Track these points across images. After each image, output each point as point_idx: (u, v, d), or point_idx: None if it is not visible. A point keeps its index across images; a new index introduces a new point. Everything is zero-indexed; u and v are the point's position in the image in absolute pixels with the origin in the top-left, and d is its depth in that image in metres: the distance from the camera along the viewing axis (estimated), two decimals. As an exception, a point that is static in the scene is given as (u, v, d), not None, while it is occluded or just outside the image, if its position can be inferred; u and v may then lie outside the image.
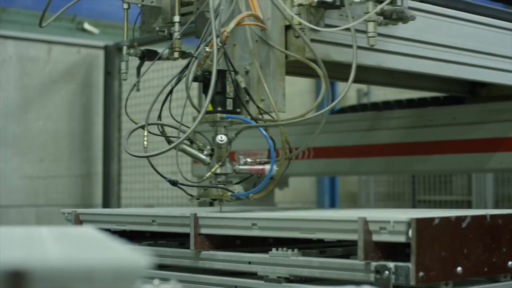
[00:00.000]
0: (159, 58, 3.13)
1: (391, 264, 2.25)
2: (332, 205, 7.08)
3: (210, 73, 2.63)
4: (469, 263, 2.35)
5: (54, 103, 5.46)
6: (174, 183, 2.79)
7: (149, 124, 2.81)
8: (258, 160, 2.79)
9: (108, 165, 5.56)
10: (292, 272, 2.46)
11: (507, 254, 2.47)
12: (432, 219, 2.25)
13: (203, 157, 2.78)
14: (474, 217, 2.37)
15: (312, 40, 2.79)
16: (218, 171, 2.74)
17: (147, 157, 2.75)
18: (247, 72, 2.77)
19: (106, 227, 3.11)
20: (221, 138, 2.71)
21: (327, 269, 2.38)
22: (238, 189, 2.76)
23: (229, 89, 2.72)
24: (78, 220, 3.14)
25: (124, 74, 3.11)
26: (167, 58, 3.13)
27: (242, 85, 2.71)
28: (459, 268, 2.31)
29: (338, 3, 2.68)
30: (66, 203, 5.49)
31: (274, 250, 2.53)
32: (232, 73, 2.71)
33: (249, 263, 2.58)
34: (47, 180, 5.40)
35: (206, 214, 2.72)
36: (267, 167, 2.75)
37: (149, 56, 3.14)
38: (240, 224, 2.64)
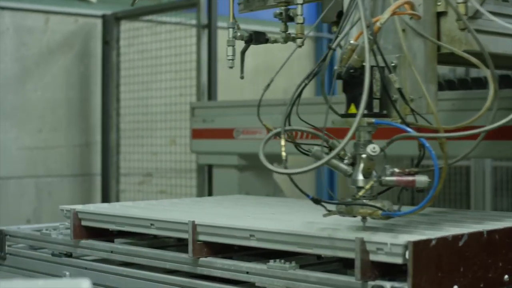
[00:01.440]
0: (267, 41, 2.87)
1: (388, 285, 2.27)
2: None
3: (356, 70, 2.31)
4: (465, 281, 2.36)
5: (52, 73, 5.44)
6: (317, 201, 2.45)
7: (286, 130, 2.49)
8: (407, 170, 2.40)
9: (106, 135, 5.56)
10: (290, 285, 2.48)
11: (503, 268, 2.48)
12: (429, 241, 2.26)
13: (345, 167, 2.41)
14: (471, 235, 2.38)
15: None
16: (361, 184, 2.39)
17: (291, 174, 2.39)
18: (394, 67, 2.40)
19: (105, 227, 3.13)
20: (374, 148, 2.34)
21: (324, 285, 2.39)
22: (387, 205, 2.40)
23: (376, 88, 2.36)
24: (76, 218, 3.15)
25: (230, 61, 2.81)
26: (275, 41, 2.89)
27: (396, 85, 2.36)
28: (455, 287, 2.33)
29: None
30: (65, 173, 5.51)
31: (272, 261, 2.54)
32: (377, 69, 2.35)
33: (247, 273, 2.60)
34: (46, 150, 5.41)
35: (204, 222, 2.73)
36: (418, 178, 2.37)
37: (257, 39, 2.84)
38: (238, 235, 2.65)
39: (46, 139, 5.44)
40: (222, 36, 5.28)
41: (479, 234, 2.42)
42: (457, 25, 2.41)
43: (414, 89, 2.41)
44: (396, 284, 2.26)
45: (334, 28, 2.79)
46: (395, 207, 2.41)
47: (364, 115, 2.30)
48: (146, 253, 2.91)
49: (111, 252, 3.03)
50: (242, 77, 2.83)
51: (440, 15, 2.45)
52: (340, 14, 2.68)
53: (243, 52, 2.85)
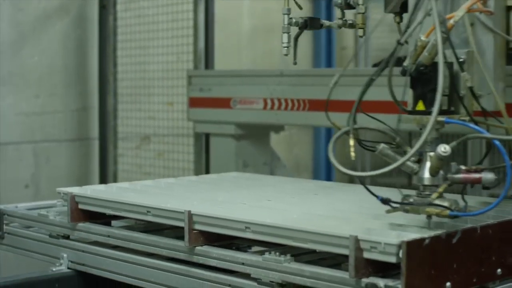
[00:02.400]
0: (321, 27, 2.86)
1: (381, 283, 2.29)
2: (328, 175, 7.09)
3: (426, 67, 2.28)
4: (459, 277, 2.39)
5: (48, 38, 5.42)
6: (386, 201, 2.43)
7: (356, 129, 2.45)
8: (473, 167, 2.41)
9: (104, 100, 5.55)
10: (285, 279, 2.50)
11: (497, 262, 2.50)
12: (422, 240, 2.28)
13: (411, 165, 2.39)
14: (464, 232, 2.40)
15: None
16: (428, 182, 2.39)
17: (365, 177, 2.39)
18: (462, 63, 2.37)
19: (102, 211, 3.14)
20: (445, 149, 2.30)
21: (318, 279, 2.42)
22: (454, 204, 2.41)
23: (445, 84, 2.30)
24: (73, 202, 3.16)
25: (285, 48, 2.78)
26: (329, 26, 2.88)
27: (468, 83, 2.34)
28: (448, 284, 2.35)
29: None
30: (62, 138, 5.51)
31: (267, 254, 2.57)
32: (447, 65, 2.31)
33: (243, 264, 2.62)
34: (43, 115, 5.41)
35: (200, 212, 2.75)
36: (484, 175, 2.37)
37: (311, 25, 2.82)
38: (233, 226, 2.67)
39: (44, 104, 5.43)
40: (219, 2, 5.27)
41: (473, 230, 2.43)
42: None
43: (481, 85, 2.38)
44: (389, 282, 2.29)
45: (397, 18, 2.75)
46: (461, 205, 2.41)
47: (431, 113, 2.26)
48: (143, 239, 2.93)
49: (108, 236, 3.05)
50: (295, 63, 2.82)
51: (510, 9, 2.42)
52: (403, 5, 2.65)
53: (296, 38, 2.83)
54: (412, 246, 2.25)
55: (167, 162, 5.77)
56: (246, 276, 2.61)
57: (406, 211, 2.44)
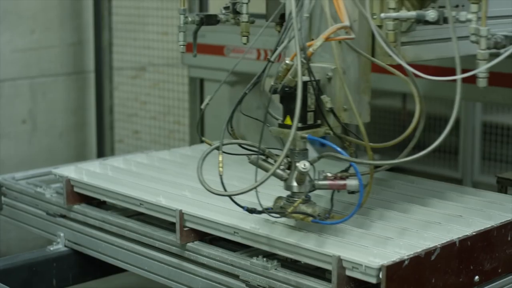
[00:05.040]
0: (218, 22, 2.95)
1: (362, 301, 2.42)
2: None
3: (290, 88, 2.44)
4: (436, 290, 2.51)
5: (42, -28, 5.38)
6: (251, 211, 2.61)
7: (224, 144, 2.58)
8: (339, 174, 2.55)
9: (99, 34, 5.55)
10: (271, 285, 2.62)
11: (474, 270, 2.61)
12: (402, 262, 2.38)
13: (281, 172, 2.56)
14: (443, 248, 2.50)
15: (403, 43, 2.50)
16: (295, 190, 2.56)
17: (231, 195, 2.53)
18: (329, 79, 2.52)
19: (97, 197, 3.23)
20: (304, 166, 2.45)
21: (303, 289, 2.54)
22: (318, 211, 2.57)
23: (310, 101, 2.49)
24: (69, 185, 3.25)
25: (182, 46, 2.91)
26: (227, 21, 2.96)
27: (328, 105, 2.49)
28: (426, 298, 2.47)
29: (441, 22, 2.35)
30: (58, 72, 5.53)
31: (255, 258, 2.67)
32: (312, 83, 2.48)
33: (232, 265, 2.73)
34: (39, 51, 5.42)
35: (191, 212, 2.84)
36: (348, 182, 2.52)
37: (208, 22, 2.94)
38: (223, 229, 2.77)
39: (39, 39, 5.43)
40: None
41: (452, 245, 2.53)
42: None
43: (348, 99, 2.49)
44: (369, 300, 2.41)
45: (278, 28, 2.84)
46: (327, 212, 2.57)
47: (299, 128, 2.46)
48: (137, 229, 3.03)
49: (103, 221, 3.15)
50: (195, 55, 3.01)
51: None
52: (282, 16, 2.73)
53: (195, 33, 2.96)
54: (392, 269, 2.36)
55: (162, 92, 5.82)
56: (236, 277, 2.72)
57: (275, 216, 2.62)
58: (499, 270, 2.69)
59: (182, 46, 2.90)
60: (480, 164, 6.44)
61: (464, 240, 2.56)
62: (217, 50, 4.80)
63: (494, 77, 3.84)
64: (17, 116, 5.38)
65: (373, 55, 2.52)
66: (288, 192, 2.61)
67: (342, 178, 2.53)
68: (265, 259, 2.66)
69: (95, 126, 5.68)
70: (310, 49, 2.41)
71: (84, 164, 3.43)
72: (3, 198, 3.56)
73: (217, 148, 2.58)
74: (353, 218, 2.56)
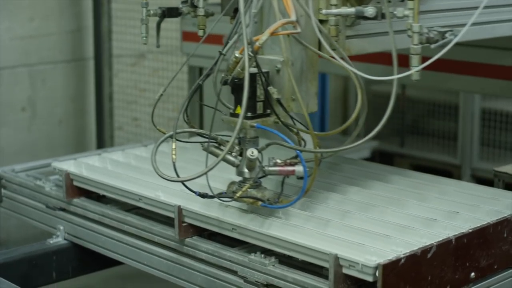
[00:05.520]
0: (180, 14, 3.07)
1: (359, 298, 2.45)
2: (322, 111, 7.08)
3: (239, 80, 2.57)
4: (432, 287, 2.53)
5: (41, -40, 5.38)
6: (204, 196, 2.75)
7: (177, 133, 2.72)
8: (288, 160, 2.69)
9: (98, 22, 5.55)
10: (269, 281, 2.64)
11: (470, 267, 2.64)
12: (398, 261, 2.41)
13: (232, 159, 2.70)
14: (439, 245, 2.52)
15: (348, 37, 2.65)
16: (246, 175, 2.70)
17: (184, 181, 2.65)
18: (278, 71, 2.65)
19: (96, 191, 3.25)
20: (252, 153, 2.62)
21: (300, 286, 2.56)
22: (268, 195, 2.73)
23: (260, 92, 2.63)
24: (68, 179, 3.27)
25: (144, 38, 3.00)
26: (188, 13, 3.04)
27: (275, 96, 2.60)
28: (422, 295, 2.50)
29: (379, 18, 2.49)
30: (57, 59, 5.54)
31: (253, 255, 2.70)
32: (260, 75, 2.60)
33: (230, 261, 2.75)
34: (38, 38, 5.42)
35: (189, 208, 2.85)
36: (297, 168, 2.65)
37: (169, 14, 3.06)
38: (221, 226, 2.79)
39: (38, 27, 5.43)
40: None
41: (448, 242, 2.55)
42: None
43: (298, 89, 2.61)
44: (366, 297, 2.44)
45: (232, 21, 2.90)
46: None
47: (248, 117, 2.62)
48: (136, 223, 3.05)
49: (102, 215, 3.17)
50: (158, 46, 3.12)
51: (322, 22, 2.59)
52: (236, 10, 2.81)
53: (158, 25, 3.08)
54: (388, 267, 2.38)
55: (161, 79, 5.83)
56: (234, 272, 2.74)
57: (227, 200, 2.77)
58: (495, 266, 2.72)
59: (144, 38, 3.00)
60: (479, 151, 6.47)
61: (460, 238, 2.59)
62: (216, 39, 4.79)
63: (492, 69, 3.89)
64: (17, 104, 5.39)
65: (320, 48, 2.62)
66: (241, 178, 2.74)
67: (291, 165, 2.67)
68: (263, 255, 2.68)
69: (95, 114, 5.69)
70: (257, 43, 2.52)
71: (83, 158, 3.44)
72: (3, 191, 3.58)
73: (171, 137, 2.71)
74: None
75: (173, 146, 2.67)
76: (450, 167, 6.61)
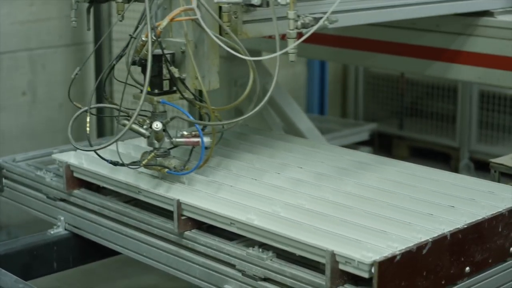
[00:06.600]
0: (107, 1, 3.41)
1: (354, 294, 2.49)
2: (321, 93, 7.09)
3: (146, 60, 2.81)
4: (428, 283, 2.56)
5: None
6: (114, 163, 3.07)
7: (91, 108, 3.00)
8: (193, 132, 3.00)
9: (98, 5, 5.55)
10: (266, 275, 2.68)
11: (465, 262, 2.67)
12: (394, 257, 2.44)
13: (143, 131, 2.96)
14: (434, 242, 2.55)
15: (245, 22, 2.92)
16: (156, 146, 3.01)
17: (96, 150, 2.95)
18: (182, 52, 2.92)
19: (96, 183, 3.28)
20: (157, 126, 2.93)
21: (297, 281, 2.60)
22: (174, 163, 3.01)
23: (165, 71, 2.90)
24: (68, 171, 3.30)
25: (73, 22, 3.25)
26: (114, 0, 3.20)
27: (176, 75, 2.89)
28: (417, 290, 2.53)
29: (264, 5, 2.79)
30: (58, 43, 5.56)
31: (251, 249, 2.73)
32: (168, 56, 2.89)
33: (228, 255, 2.79)
34: (38, 23, 5.44)
35: (189, 202, 2.89)
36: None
37: (97, 0, 3.30)
38: (219, 220, 2.82)
39: (38, 11, 5.44)
40: None
41: (443, 238, 2.59)
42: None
43: (200, 68, 2.90)
44: (362, 293, 2.48)
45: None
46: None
47: (155, 94, 2.94)
48: (135, 216, 3.08)
49: (102, 207, 3.20)
50: (88, 29, 3.50)
51: (220, 9, 2.88)
52: None
53: (88, 10, 3.32)
54: (384, 264, 2.42)
55: (162, 63, 5.83)
56: (232, 266, 2.78)
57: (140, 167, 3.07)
58: (490, 261, 2.75)
59: (74, 22, 3.24)
60: (477, 133, 6.50)
61: (455, 233, 2.62)
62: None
63: (492, 59, 3.91)
64: (17, 88, 5.41)
65: (220, 33, 2.89)
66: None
67: (196, 136, 2.98)
68: (260, 249, 2.71)
69: (95, 98, 5.70)
70: (159, 28, 2.80)
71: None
72: (4, 180, 3.61)
73: (86, 111, 2.97)
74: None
75: (87, 120, 2.96)
76: (448, 149, 6.65)
